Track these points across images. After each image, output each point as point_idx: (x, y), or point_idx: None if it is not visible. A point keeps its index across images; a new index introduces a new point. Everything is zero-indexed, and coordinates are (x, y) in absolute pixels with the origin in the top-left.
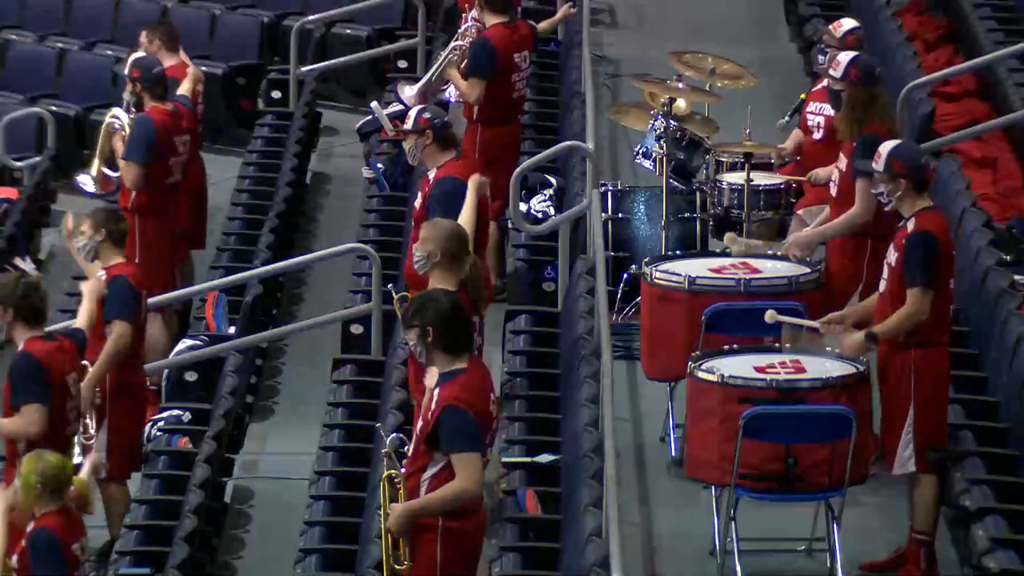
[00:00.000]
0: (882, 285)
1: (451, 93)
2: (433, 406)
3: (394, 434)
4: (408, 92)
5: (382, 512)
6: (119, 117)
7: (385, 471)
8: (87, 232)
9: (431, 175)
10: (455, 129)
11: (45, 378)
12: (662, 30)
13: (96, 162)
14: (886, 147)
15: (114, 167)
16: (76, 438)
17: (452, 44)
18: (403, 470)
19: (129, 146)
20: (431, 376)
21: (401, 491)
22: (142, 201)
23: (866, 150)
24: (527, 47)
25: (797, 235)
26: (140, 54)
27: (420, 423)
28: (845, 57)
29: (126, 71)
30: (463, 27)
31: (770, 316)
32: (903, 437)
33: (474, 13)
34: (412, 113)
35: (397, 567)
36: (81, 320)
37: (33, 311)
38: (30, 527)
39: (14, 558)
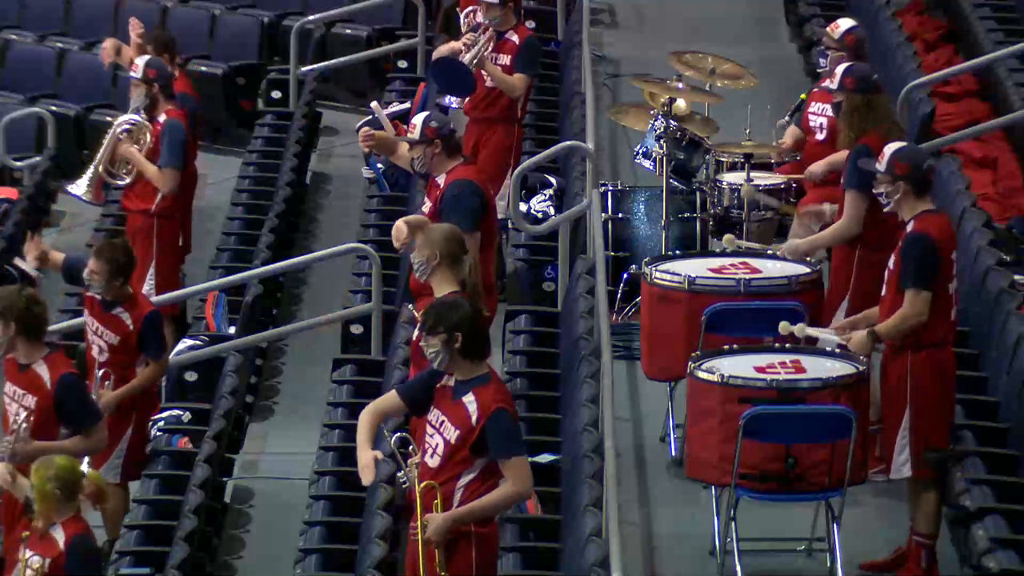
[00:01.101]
0: (884, 290)
1: (451, 98)
2: (474, 413)
3: (397, 434)
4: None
5: (419, 523)
6: (137, 122)
7: (418, 484)
8: (102, 275)
9: (440, 180)
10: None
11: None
12: (662, 30)
13: (92, 169)
14: (890, 148)
15: (113, 175)
16: None
17: (486, 34)
18: (409, 471)
19: (168, 152)
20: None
21: (437, 500)
22: (166, 205)
23: (866, 160)
24: None
25: (790, 244)
26: (147, 56)
27: (455, 431)
28: (840, 68)
29: (139, 73)
30: (483, 21)
31: (783, 328)
32: (898, 441)
33: (484, 13)
34: (418, 123)
35: None
36: None
37: (35, 324)
38: (59, 534)
39: (46, 561)
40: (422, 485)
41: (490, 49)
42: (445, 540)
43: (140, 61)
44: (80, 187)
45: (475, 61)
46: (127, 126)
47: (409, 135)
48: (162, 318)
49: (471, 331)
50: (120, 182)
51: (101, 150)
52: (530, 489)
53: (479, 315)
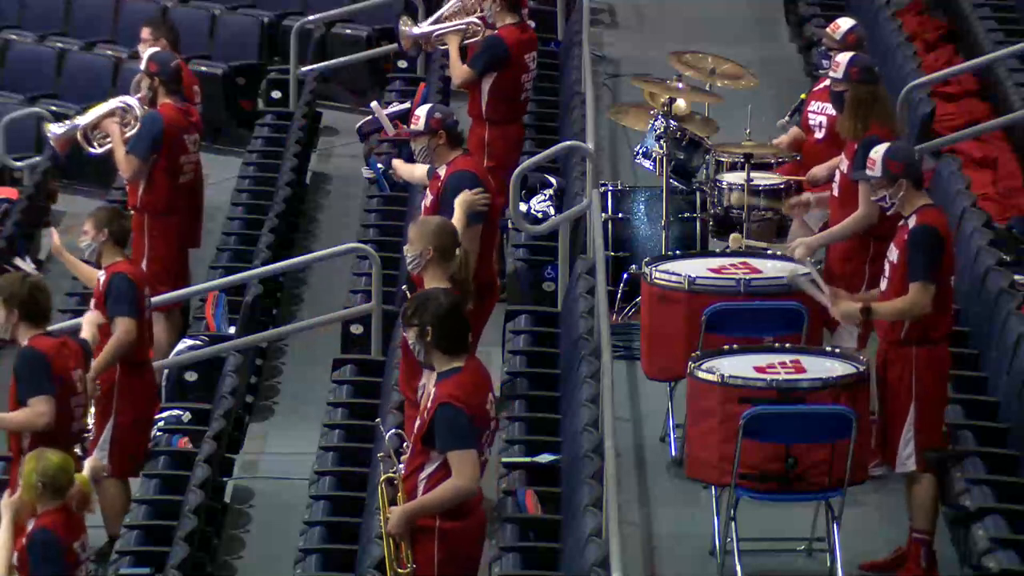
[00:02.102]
0: (883, 283)
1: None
2: (429, 404)
3: (392, 431)
4: (415, 31)
5: (382, 516)
6: (131, 106)
7: (383, 473)
8: (90, 232)
9: (441, 172)
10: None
11: (49, 371)
12: (662, 30)
13: (72, 124)
14: (878, 152)
15: (88, 140)
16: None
17: (470, 19)
18: (401, 468)
19: (135, 140)
20: (428, 378)
21: (400, 493)
22: (152, 200)
23: (866, 155)
24: (534, 48)
25: (801, 240)
26: (155, 48)
27: (417, 422)
28: (844, 58)
29: (142, 65)
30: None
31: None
32: (903, 436)
33: (485, 11)
34: (422, 114)
35: (400, 570)
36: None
37: (38, 311)
38: (30, 526)
39: (15, 555)
40: (382, 478)
41: (479, 34)
42: (406, 533)
43: (145, 54)
44: (56, 129)
45: (435, 29)
46: (123, 105)
47: (413, 126)
48: (127, 277)
49: (444, 325)
50: (91, 150)
51: (92, 113)
52: (474, 485)
53: (458, 310)
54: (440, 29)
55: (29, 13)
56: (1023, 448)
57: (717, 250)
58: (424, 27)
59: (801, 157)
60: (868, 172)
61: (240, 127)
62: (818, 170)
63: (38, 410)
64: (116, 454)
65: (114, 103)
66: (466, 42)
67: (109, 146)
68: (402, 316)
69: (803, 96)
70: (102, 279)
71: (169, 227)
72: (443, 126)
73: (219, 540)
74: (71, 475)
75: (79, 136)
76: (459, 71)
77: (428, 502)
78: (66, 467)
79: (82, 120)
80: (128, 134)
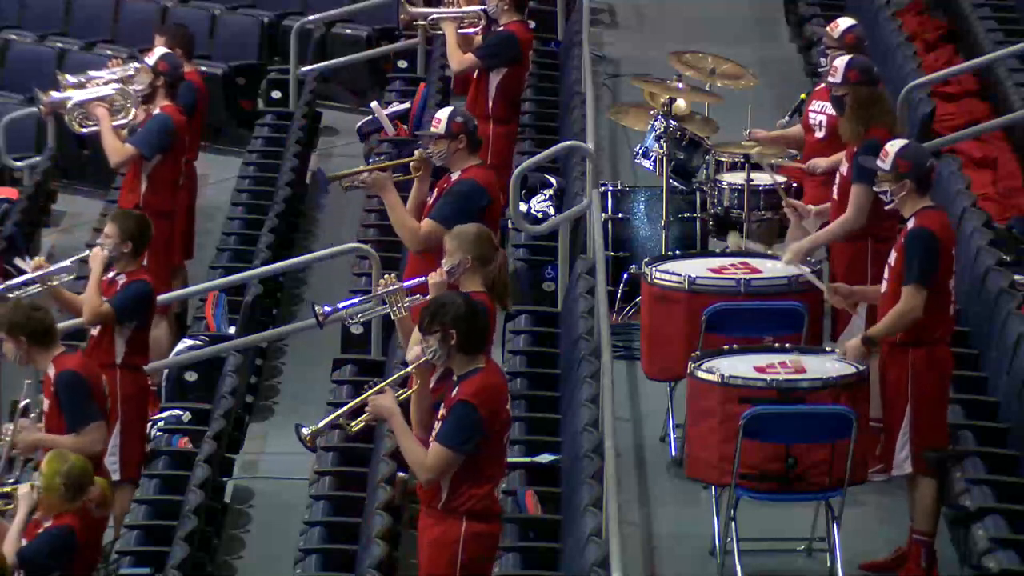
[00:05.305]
0: (883, 286)
1: None
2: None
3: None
4: (412, 8)
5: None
6: (126, 95)
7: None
8: (113, 239)
9: (454, 177)
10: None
11: (93, 392)
12: (662, 30)
13: (70, 94)
14: (893, 146)
15: (72, 118)
16: None
17: (471, 8)
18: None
19: (143, 135)
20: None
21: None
22: (157, 200)
23: (867, 156)
24: (532, 47)
25: (793, 245)
26: (166, 50)
27: (437, 425)
28: (841, 62)
29: (152, 60)
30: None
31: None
32: (900, 438)
33: (489, 6)
34: (443, 117)
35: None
36: (90, 291)
37: (44, 330)
38: (48, 524)
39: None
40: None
41: (476, 25)
42: (377, 418)
43: (157, 51)
44: (50, 95)
45: (433, 12)
46: (115, 90)
47: (433, 128)
48: (150, 289)
49: (468, 326)
50: (79, 129)
51: (90, 91)
52: (432, 480)
53: (476, 311)
54: (438, 13)
55: (29, 13)
56: (1023, 448)
57: (717, 250)
58: (422, 8)
59: (801, 156)
60: (879, 162)
61: (240, 127)
62: (819, 160)
63: (93, 437)
64: (125, 458)
65: (111, 90)
66: (459, 31)
67: (93, 129)
68: (419, 325)
69: (803, 96)
70: (121, 282)
71: (164, 229)
72: (464, 130)
73: (219, 540)
74: (92, 476)
75: (67, 112)
76: (459, 57)
77: (406, 444)
78: (88, 469)
79: (73, 99)
80: (117, 122)
